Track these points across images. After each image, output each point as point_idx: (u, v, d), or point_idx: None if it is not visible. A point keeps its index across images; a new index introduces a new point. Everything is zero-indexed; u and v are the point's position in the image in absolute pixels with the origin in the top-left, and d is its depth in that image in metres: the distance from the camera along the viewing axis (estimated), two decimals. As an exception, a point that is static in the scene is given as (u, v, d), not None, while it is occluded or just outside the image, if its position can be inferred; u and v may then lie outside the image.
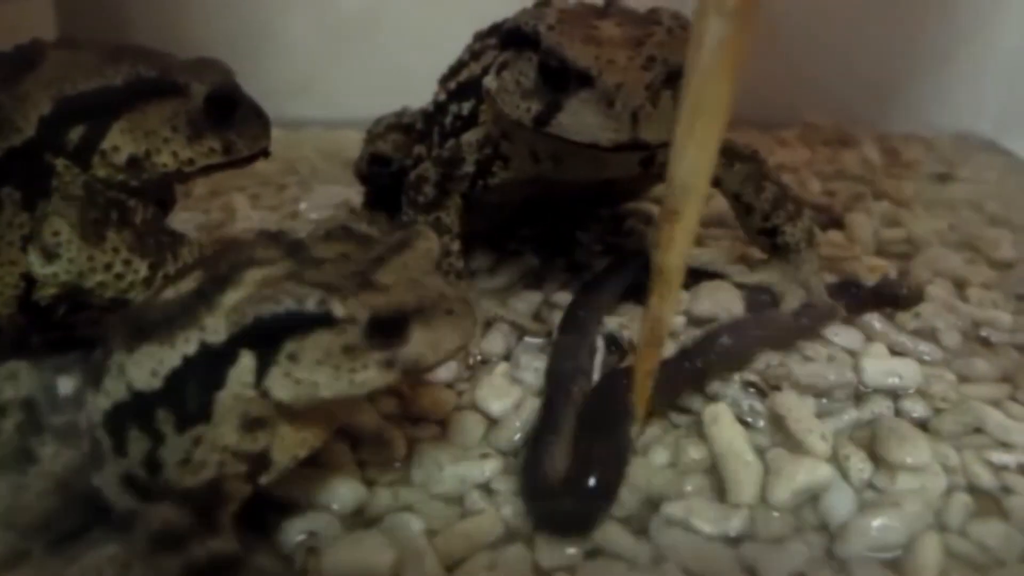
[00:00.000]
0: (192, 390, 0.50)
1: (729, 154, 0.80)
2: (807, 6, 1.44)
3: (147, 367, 0.50)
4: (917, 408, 0.68)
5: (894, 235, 1.01)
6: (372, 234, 0.54)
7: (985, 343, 0.81)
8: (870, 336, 0.77)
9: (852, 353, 0.75)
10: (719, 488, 0.61)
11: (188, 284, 0.52)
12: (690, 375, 0.68)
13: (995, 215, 1.11)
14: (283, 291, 0.48)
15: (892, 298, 0.82)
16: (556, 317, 0.80)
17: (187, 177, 0.72)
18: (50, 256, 0.63)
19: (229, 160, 0.71)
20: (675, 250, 0.56)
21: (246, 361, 0.49)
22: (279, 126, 1.56)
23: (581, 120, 0.64)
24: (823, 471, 0.61)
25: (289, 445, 0.52)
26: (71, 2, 1.36)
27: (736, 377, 0.69)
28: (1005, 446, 0.66)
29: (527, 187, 0.81)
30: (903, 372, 0.70)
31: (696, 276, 0.83)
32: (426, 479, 0.62)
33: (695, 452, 0.64)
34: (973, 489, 0.62)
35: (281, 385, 0.49)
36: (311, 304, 0.47)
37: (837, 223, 1.03)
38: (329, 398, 0.49)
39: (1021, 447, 0.66)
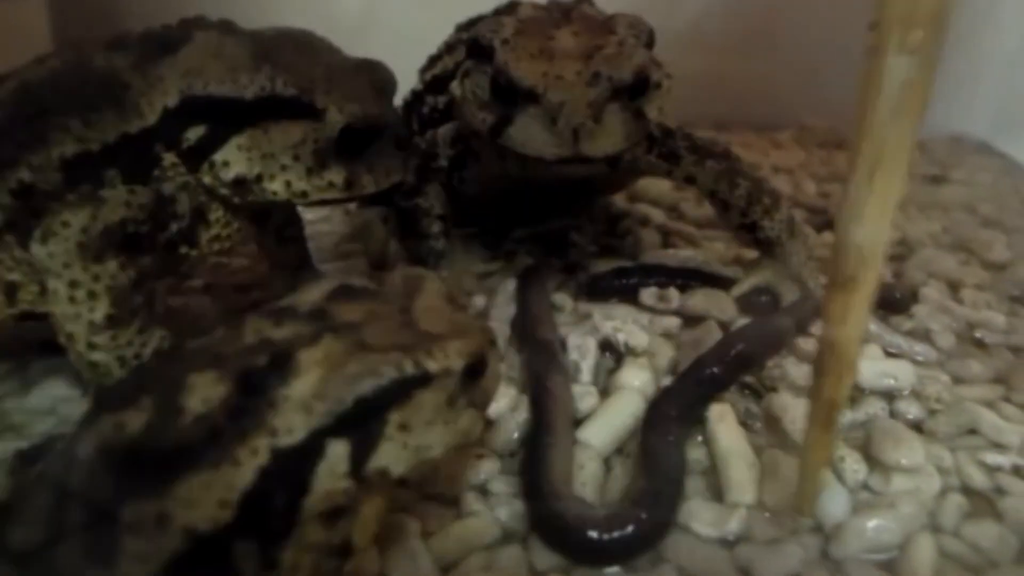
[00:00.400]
0: (275, 507, 0.42)
1: (701, 152, 0.82)
2: (803, 8, 1.45)
3: (208, 502, 0.40)
4: (912, 409, 0.69)
5: (889, 237, 1.01)
6: (373, 287, 0.51)
7: (979, 344, 0.81)
8: (865, 338, 0.77)
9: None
10: (715, 489, 0.61)
11: (209, 390, 0.43)
12: (710, 384, 0.67)
13: (988, 217, 1.12)
14: (377, 363, 0.44)
15: (886, 301, 0.82)
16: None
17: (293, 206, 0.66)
18: (45, 235, 0.57)
19: (351, 195, 0.64)
20: (851, 322, 0.50)
21: (338, 450, 0.43)
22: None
23: (528, 134, 0.66)
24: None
25: (368, 523, 0.48)
26: (66, 2, 1.36)
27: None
28: (999, 447, 0.66)
29: (503, 181, 0.82)
30: (898, 374, 0.70)
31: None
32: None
33: (694, 452, 0.64)
34: (967, 490, 0.62)
35: (397, 459, 0.45)
36: (409, 368, 0.44)
37: (832, 225, 1.03)
38: (440, 456, 0.47)
39: (1015, 448, 0.66)
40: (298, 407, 0.42)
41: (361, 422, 0.44)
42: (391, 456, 0.45)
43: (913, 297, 0.84)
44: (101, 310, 0.57)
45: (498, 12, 0.80)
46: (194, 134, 0.61)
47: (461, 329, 0.48)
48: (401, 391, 0.44)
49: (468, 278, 0.86)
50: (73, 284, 0.57)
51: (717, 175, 0.81)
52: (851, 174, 0.47)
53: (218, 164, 0.60)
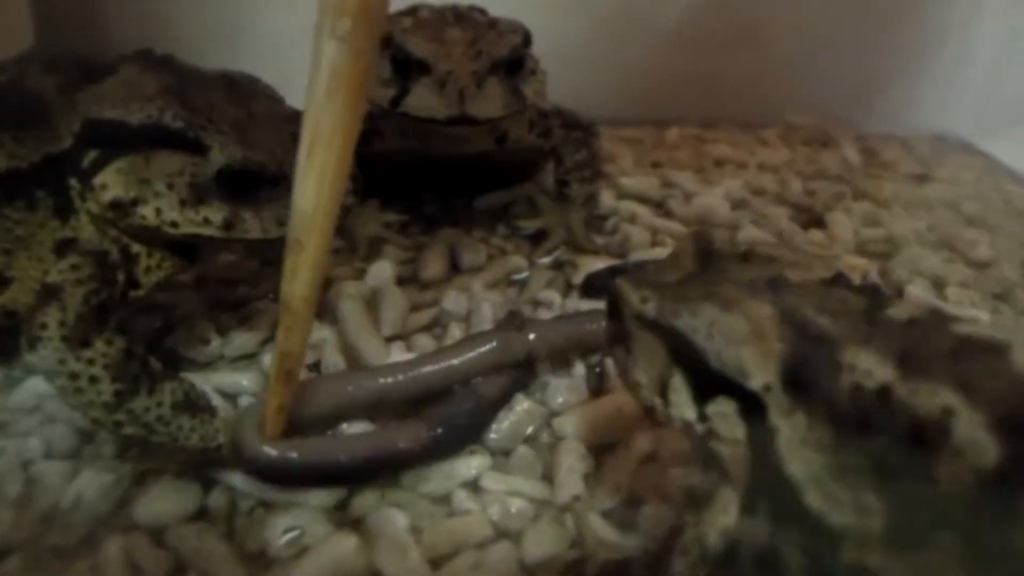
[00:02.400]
0: None
1: (567, 125, 0.96)
2: (788, 6, 1.46)
3: None
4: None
5: (874, 235, 1.02)
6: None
7: (963, 342, 0.82)
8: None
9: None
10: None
11: None
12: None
13: (972, 216, 1.13)
14: None
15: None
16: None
17: (177, 239, 0.65)
18: (32, 343, 0.58)
19: (230, 237, 0.63)
20: (300, 281, 0.55)
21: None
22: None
23: (423, 100, 0.79)
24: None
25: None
26: (48, 1, 1.34)
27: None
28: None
29: (407, 157, 0.93)
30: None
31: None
32: (413, 476, 0.62)
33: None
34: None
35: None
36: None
37: (818, 222, 1.04)
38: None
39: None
40: None
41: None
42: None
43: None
44: (107, 389, 0.58)
45: (400, 13, 0.88)
46: (88, 158, 0.62)
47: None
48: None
49: (375, 225, 0.95)
50: (74, 376, 0.57)
51: (570, 140, 0.96)
52: (299, 150, 0.52)
53: (97, 187, 0.61)
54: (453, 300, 0.81)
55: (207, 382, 0.68)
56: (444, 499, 0.60)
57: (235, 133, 0.62)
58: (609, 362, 0.69)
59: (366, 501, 0.60)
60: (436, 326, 0.80)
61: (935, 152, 1.43)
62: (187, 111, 0.62)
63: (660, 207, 1.08)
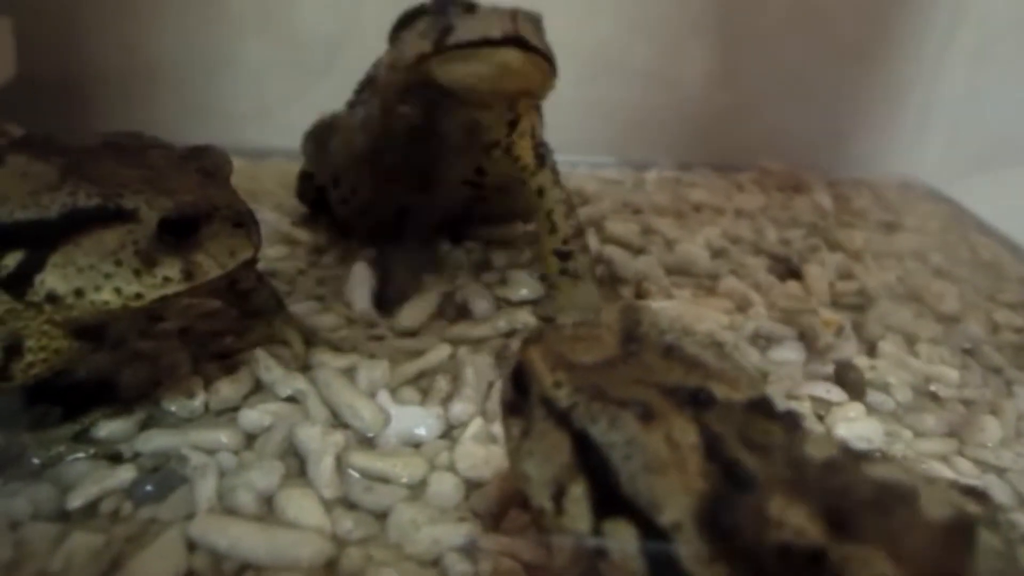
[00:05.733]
0: None
1: (556, 175, 0.94)
2: (760, 50, 1.50)
3: None
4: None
5: (848, 287, 1.05)
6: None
7: (934, 398, 0.85)
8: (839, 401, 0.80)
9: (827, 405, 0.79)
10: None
11: None
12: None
13: (940, 267, 1.17)
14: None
15: (844, 382, 0.83)
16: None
17: (145, 308, 0.63)
18: None
19: (194, 284, 0.62)
20: None
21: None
22: (241, 154, 1.54)
23: (474, 25, 0.77)
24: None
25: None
26: (31, 30, 1.33)
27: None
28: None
29: (387, 207, 0.96)
30: (872, 435, 0.73)
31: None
32: (401, 538, 0.62)
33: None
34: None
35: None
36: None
37: (794, 274, 1.07)
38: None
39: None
40: None
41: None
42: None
43: (861, 385, 0.84)
44: None
45: None
46: (13, 260, 0.60)
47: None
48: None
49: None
50: None
51: (561, 201, 0.94)
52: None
53: (37, 284, 0.60)
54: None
55: (185, 440, 0.68)
56: (432, 562, 0.61)
57: (150, 188, 0.61)
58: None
59: (352, 560, 0.60)
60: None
61: (903, 198, 1.48)
62: (96, 185, 0.60)
63: (641, 252, 1.10)
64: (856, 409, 0.77)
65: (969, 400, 0.85)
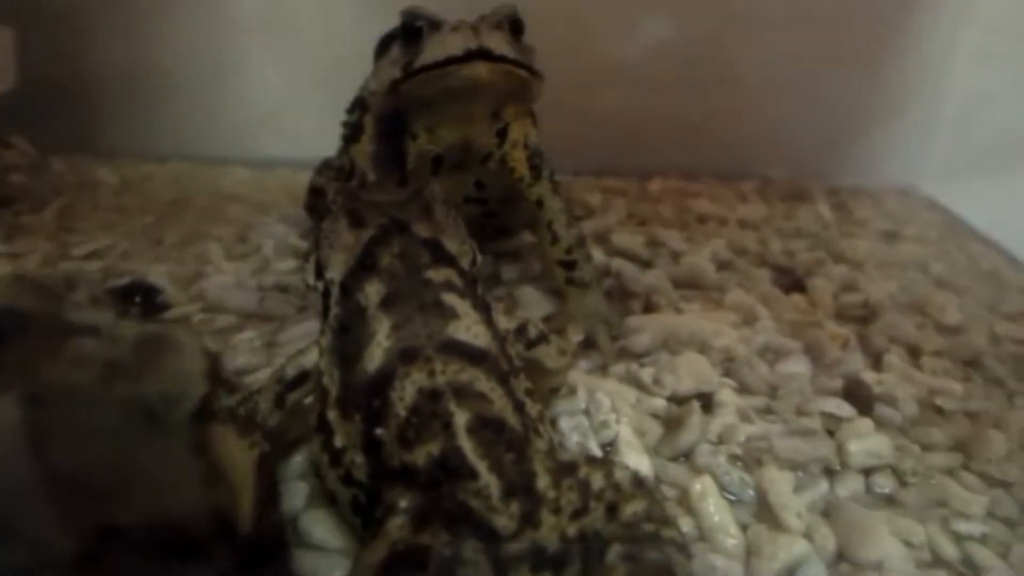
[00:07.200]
0: None
1: (556, 186, 0.95)
2: (761, 58, 1.51)
3: None
4: (887, 483, 0.73)
5: (852, 300, 1.06)
6: None
7: (939, 411, 0.86)
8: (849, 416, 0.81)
9: (837, 420, 0.79)
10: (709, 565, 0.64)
11: None
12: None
13: (940, 277, 1.18)
14: None
15: (854, 397, 0.84)
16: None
17: None
18: None
19: None
20: None
21: None
22: (248, 164, 1.55)
23: (438, 46, 0.80)
24: (799, 547, 0.64)
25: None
26: (36, 34, 1.33)
27: (723, 449, 0.73)
28: (965, 517, 0.70)
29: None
30: (882, 451, 0.74)
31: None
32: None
33: (682, 525, 0.66)
34: (938, 562, 0.66)
35: None
36: None
37: (799, 286, 1.08)
38: None
39: (978, 517, 0.71)
40: None
41: None
42: None
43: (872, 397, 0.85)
44: None
45: None
46: None
47: None
48: None
49: None
50: None
51: (561, 210, 0.94)
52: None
53: None
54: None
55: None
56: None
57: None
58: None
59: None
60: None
61: (902, 207, 1.50)
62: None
63: (648, 265, 1.11)
64: (866, 425, 0.78)
65: (973, 413, 0.86)
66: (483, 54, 0.78)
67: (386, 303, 0.60)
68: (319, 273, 0.67)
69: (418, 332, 0.58)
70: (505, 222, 1.08)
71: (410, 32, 0.83)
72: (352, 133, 1.01)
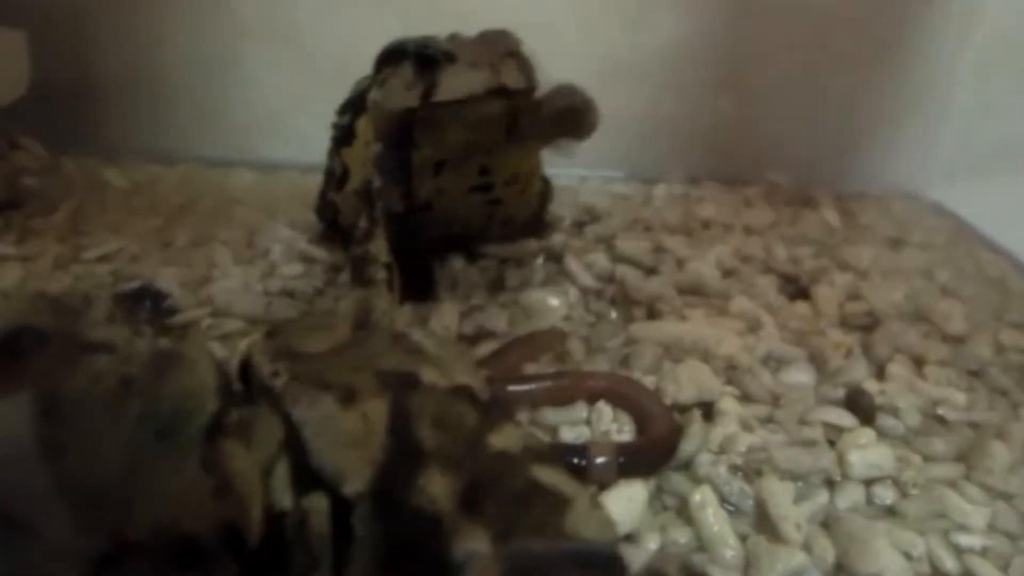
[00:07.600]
0: None
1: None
2: (768, 63, 1.51)
3: None
4: (888, 495, 0.73)
5: (856, 308, 1.06)
6: None
7: (941, 421, 0.86)
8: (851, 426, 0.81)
9: (838, 430, 0.79)
10: (706, 576, 0.64)
11: None
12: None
13: (946, 285, 1.18)
14: None
15: (856, 408, 0.84)
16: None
17: None
18: None
19: None
20: None
21: None
22: (254, 167, 1.56)
23: (457, 81, 0.81)
24: (797, 559, 0.64)
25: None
26: (46, 36, 1.34)
27: (724, 459, 0.73)
28: (965, 529, 0.71)
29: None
30: (883, 463, 0.74)
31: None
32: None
33: (681, 536, 0.67)
34: (938, 574, 0.66)
35: None
36: None
37: (804, 294, 1.09)
38: None
39: (978, 530, 0.71)
40: None
41: None
42: None
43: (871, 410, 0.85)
44: None
45: None
46: None
47: None
48: None
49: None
50: None
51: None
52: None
53: None
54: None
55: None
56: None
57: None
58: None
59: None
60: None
61: (907, 213, 1.50)
62: None
63: (652, 271, 1.12)
64: (867, 435, 0.79)
65: (976, 423, 0.86)
66: (503, 92, 0.81)
67: None
68: None
69: None
70: (511, 210, 1.07)
71: (426, 55, 0.83)
72: (344, 136, 1.02)
